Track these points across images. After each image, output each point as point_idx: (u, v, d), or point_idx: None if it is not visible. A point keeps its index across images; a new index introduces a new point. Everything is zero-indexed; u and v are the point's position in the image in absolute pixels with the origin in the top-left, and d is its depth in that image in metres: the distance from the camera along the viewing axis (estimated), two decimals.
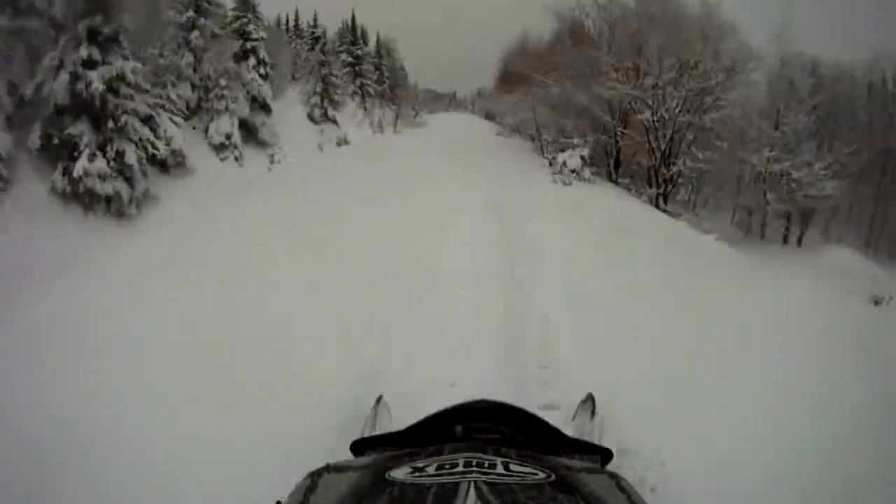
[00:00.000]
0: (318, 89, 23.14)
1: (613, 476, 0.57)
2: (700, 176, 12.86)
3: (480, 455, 0.52)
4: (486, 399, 0.86)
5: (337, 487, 0.53)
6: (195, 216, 7.26)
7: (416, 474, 0.50)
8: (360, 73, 34.75)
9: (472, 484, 0.45)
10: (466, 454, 0.53)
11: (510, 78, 34.10)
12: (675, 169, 11.87)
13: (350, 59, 34.58)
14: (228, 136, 16.13)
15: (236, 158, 16.22)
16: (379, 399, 2.22)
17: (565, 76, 13.23)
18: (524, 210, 7.49)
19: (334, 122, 23.29)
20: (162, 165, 12.84)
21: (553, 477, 0.49)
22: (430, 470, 0.50)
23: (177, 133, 13.22)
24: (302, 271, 4.36)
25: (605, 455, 0.90)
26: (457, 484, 0.46)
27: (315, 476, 0.58)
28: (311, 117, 22.95)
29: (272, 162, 16.51)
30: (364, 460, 0.64)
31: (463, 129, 27.02)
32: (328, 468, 0.59)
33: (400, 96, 44.37)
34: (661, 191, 12.21)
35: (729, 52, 11.27)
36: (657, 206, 11.66)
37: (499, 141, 20.32)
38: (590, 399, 2.47)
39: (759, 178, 12.78)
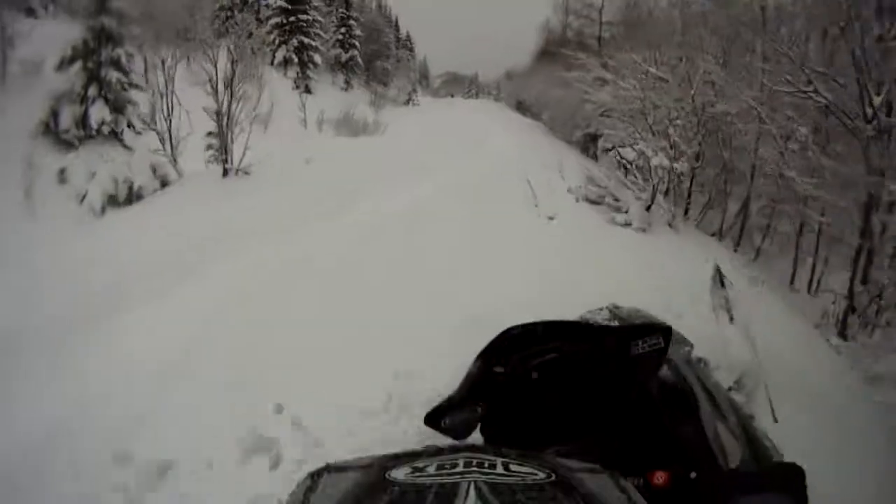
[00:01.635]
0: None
1: (613, 476, 0.56)
2: None
3: (480, 455, 0.53)
4: (532, 322, 0.87)
5: (337, 487, 0.52)
6: None
7: (417, 474, 0.50)
8: (300, 28, 19.72)
9: (472, 484, 0.46)
10: (466, 454, 0.53)
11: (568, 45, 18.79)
12: None
13: (281, 3, 19.51)
14: None
15: None
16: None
17: None
18: None
19: (116, 136, 8.62)
20: None
21: (553, 477, 0.49)
22: (431, 470, 0.50)
23: None
24: None
25: (665, 332, 0.86)
26: (457, 484, 0.46)
27: (315, 476, 0.57)
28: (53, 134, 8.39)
29: None
30: (364, 460, 0.58)
31: (470, 149, 11.98)
32: (328, 468, 0.58)
33: (383, 70, 29.21)
34: None
35: None
36: None
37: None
38: (717, 272, 2.86)
39: None
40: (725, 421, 0.98)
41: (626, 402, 0.77)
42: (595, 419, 0.85)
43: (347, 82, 23.47)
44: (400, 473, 0.50)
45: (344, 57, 23.30)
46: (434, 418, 0.87)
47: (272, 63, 18.81)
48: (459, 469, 0.49)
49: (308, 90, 19.45)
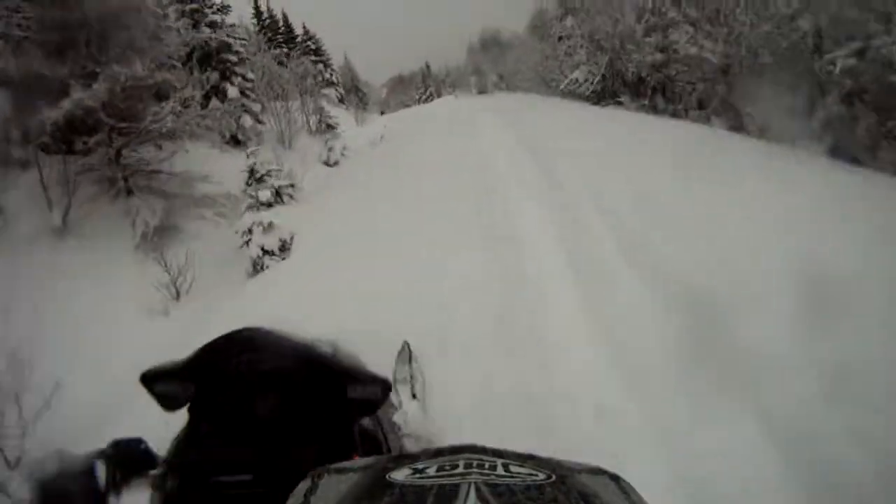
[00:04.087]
0: None
1: (615, 477, 0.56)
2: None
3: (481, 456, 0.54)
4: (261, 328, 0.92)
5: (337, 489, 0.53)
6: None
7: (417, 476, 0.50)
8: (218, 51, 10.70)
9: (473, 485, 0.47)
10: (466, 455, 0.54)
11: None
12: None
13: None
14: None
15: None
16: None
17: None
18: None
19: None
20: None
21: (553, 478, 0.50)
22: (431, 471, 0.51)
23: None
24: None
25: (385, 385, 0.95)
26: (457, 485, 0.47)
27: (315, 477, 0.57)
28: None
29: None
30: (364, 462, 0.59)
31: None
32: (329, 469, 0.58)
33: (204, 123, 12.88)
34: None
35: None
36: None
37: None
38: (405, 347, 2.92)
39: None
40: None
41: (327, 431, 0.83)
42: (292, 435, 0.92)
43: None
44: (400, 475, 0.50)
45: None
46: (150, 380, 0.88)
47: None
48: (460, 470, 0.49)
49: None
